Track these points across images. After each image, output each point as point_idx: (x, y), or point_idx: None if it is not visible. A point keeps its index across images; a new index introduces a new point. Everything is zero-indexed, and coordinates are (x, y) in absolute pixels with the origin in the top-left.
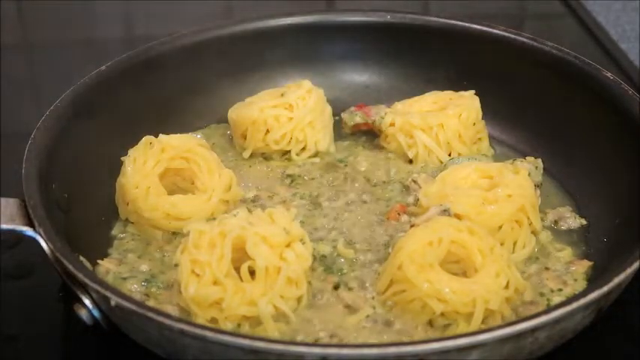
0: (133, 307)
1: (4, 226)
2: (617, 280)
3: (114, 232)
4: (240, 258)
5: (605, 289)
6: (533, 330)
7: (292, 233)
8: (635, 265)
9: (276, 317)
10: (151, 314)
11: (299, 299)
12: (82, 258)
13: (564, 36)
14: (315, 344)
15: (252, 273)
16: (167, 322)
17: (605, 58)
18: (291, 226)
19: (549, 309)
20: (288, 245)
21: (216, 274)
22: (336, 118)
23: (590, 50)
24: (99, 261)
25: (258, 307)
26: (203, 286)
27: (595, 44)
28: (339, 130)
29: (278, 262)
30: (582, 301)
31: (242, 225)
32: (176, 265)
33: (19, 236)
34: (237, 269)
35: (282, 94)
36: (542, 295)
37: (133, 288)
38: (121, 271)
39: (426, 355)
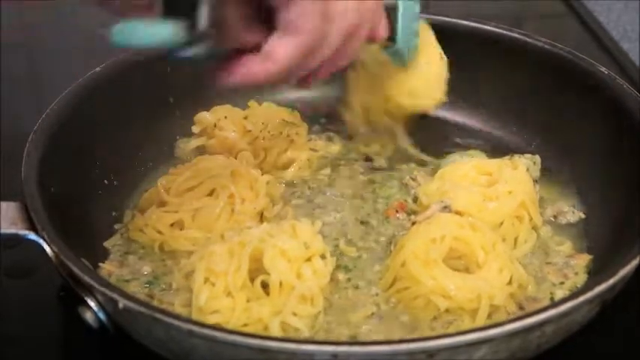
0: (142, 309)
1: (6, 231)
2: (622, 273)
3: (114, 235)
4: (258, 269)
5: (611, 281)
6: (542, 324)
7: (313, 248)
8: (638, 258)
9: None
10: (159, 315)
11: (315, 316)
12: (84, 261)
13: (565, 36)
14: (326, 342)
15: (266, 285)
16: (176, 322)
17: (606, 58)
18: (313, 240)
19: (557, 302)
20: (308, 259)
21: (229, 286)
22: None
23: (591, 50)
24: (100, 264)
25: (269, 328)
26: (214, 296)
27: (596, 44)
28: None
29: (293, 279)
30: (589, 294)
31: (262, 237)
32: (191, 272)
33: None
34: (253, 280)
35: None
36: (544, 288)
37: (136, 290)
38: (123, 274)
39: (437, 351)
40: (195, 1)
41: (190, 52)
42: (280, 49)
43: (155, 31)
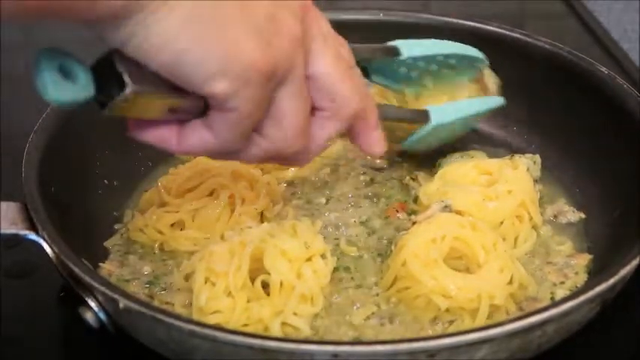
0: (142, 309)
1: (6, 231)
2: (622, 273)
3: (114, 235)
4: (258, 269)
5: (611, 281)
6: (542, 324)
7: (313, 247)
8: (638, 258)
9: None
10: (160, 315)
11: (316, 316)
12: (84, 261)
13: (565, 36)
14: (326, 342)
15: (266, 285)
16: (176, 322)
17: (607, 58)
18: (313, 240)
19: (557, 302)
20: (309, 259)
21: (230, 286)
22: None
23: (591, 50)
24: (100, 264)
25: (270, 329)
26: (214, 296)
27: (596, 44)
28: None
29: (293, 279)
30: (590, 294)
31: (262, 237)
32: (191, 273)
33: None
34: (254, 280)
35: None
36: (544, 288)
37: (137, 290)
38: (123, 274)
39: (437, 351)
40: (121, 81)
41: (106, 113)
42: (192, 139)
43: (70, 92)
